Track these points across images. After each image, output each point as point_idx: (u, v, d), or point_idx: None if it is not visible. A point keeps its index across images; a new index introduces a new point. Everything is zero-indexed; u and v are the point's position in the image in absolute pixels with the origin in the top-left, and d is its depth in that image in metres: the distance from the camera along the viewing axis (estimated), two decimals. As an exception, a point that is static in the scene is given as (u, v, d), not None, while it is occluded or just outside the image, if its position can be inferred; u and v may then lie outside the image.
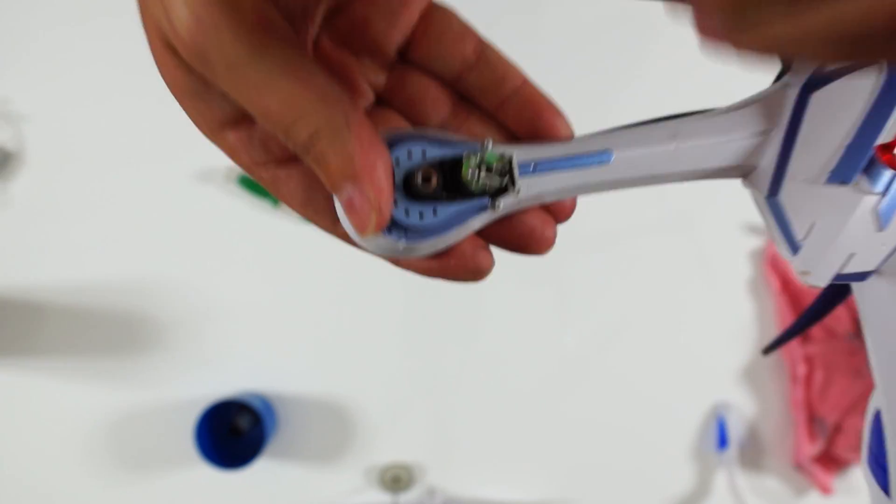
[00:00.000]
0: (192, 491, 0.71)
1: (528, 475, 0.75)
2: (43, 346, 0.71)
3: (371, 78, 0.24)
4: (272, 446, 0.71)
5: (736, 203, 0.79)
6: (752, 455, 0.77)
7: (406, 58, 0.24)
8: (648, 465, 0.76)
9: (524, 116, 0.23)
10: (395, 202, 0.20)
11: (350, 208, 0.19)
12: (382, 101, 0.24)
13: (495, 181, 0.21)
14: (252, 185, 0.73)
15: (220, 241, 0.74)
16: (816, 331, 0.76)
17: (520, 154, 0.22)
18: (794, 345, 0.76)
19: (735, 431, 0.75)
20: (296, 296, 0.74)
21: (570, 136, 0.23)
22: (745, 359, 0.78)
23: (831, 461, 0.76)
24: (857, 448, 0.73)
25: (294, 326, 0.74)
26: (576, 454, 0.76)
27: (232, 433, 0.73)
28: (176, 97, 0.20)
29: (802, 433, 0.75)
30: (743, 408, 0.77)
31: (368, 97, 0.24)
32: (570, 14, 0.77)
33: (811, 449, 0.75)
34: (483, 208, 0.21)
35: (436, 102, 0.23)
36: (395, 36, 0.23)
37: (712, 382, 0.77)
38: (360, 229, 0.19)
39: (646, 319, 0.77)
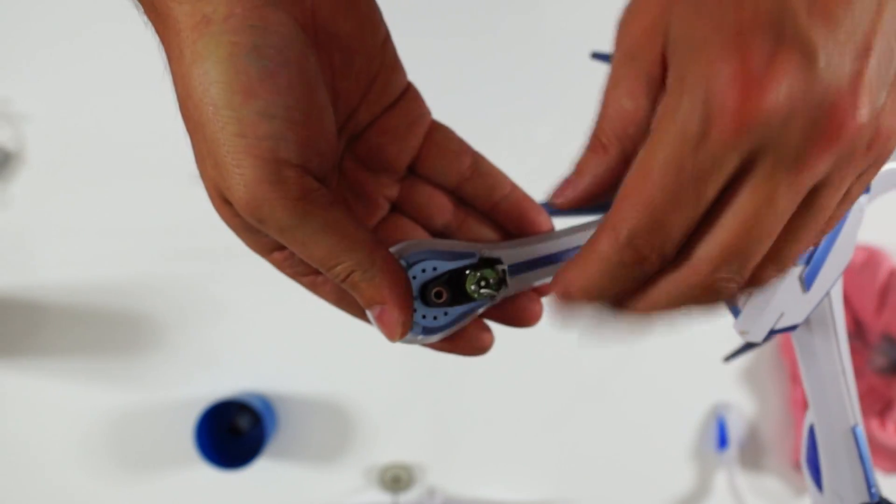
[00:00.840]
0: (192, 491, 0.71)
1: (528, 475, 0.75)
2: (43, 346, 0.71)
3: (385, 192, 0.29)
4: (272, 446, 0.71)
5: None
6: (752, 455, 0.77)
7: (414, 171, 0.29)
8: (648, 465, 0.76)
9: (513, 216, 0.28)
10: (415, 309, 0.26)
11: (381, 322, 0.25)
12: (396, 207, 0.29)
13: (494, 290, 0.26)
14: (252, 185, 0.73)
15: (220, 241, 0.74)
16: (816, 331, 0.76)
17: (510, 257, 0.27)
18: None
19: (735, 431, 0.75)
20: (296, 296, 0.74)
21: (551, 228, 0.28)
22: (745, 359, 0.78)
23: (831, 461, 0.76)
24: (857, 448, 0.73)
25: (294, 326, 0.74)
26: (576, 454, 0.76)
27: (232, 433, 0.73)
28: (232, 230, 0.26)
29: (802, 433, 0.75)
30: (743, 408, 0.77)
31: (384, 208, 0.29)
32: (568, 16, 0.77)
33: (811, 449, 0.75)
34: (483, 304, 0.27)
35: (440, 208, 0.29)
36: (405, 156, 0.28)
37: (712, 382, 0.77)
38: (390, 336, 0.25)
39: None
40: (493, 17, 0.77)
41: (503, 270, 0.26)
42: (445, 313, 0.26)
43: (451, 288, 0.26)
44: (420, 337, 0.26)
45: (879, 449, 0.72)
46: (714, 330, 0.79)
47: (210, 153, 0.23)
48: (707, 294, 0.21)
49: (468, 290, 0.26)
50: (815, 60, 0.17)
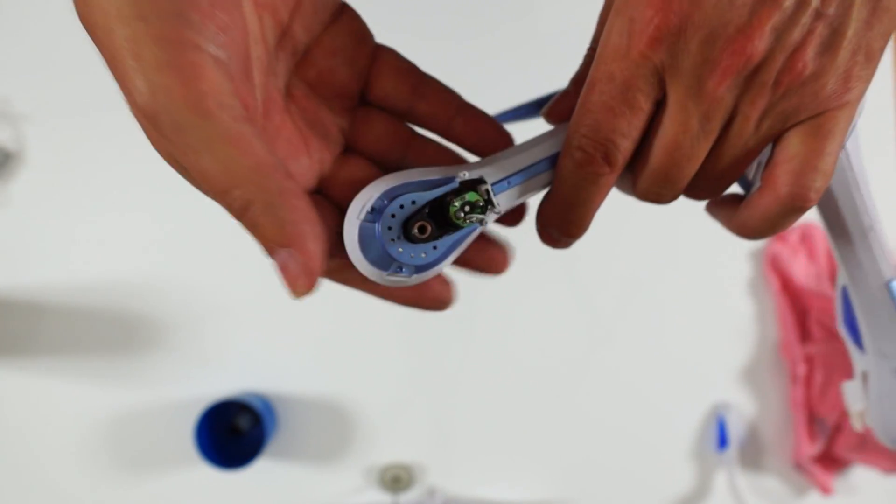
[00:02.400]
0: (192, 491, 0.71)
1: (527, 475, 0.75)
2: (43, 346, 0.71)
3: (340, 122, 0.27)
4: (272, 446, 0.71)
5: (736, 203, 0.79)
6: (752, 455, 0.77)
7: (365, 99, 0.28)
8: (648, 465, 0.76)
9: (471, 133, 0.28)
10: (401, 249, 0.24)
11: (284, 271, 0.20)
12: (350, 146, 0.28)
13: (482, 214, 0.24)
14: (252, 185, 0.73)
15: (220, 241, 0.74)
16: (816, 331, 0.76)
17: (492, 174, 0.25)
18: (794, 345, 0.76)
19: (735, 431, 0.75)
20: (296, 296, 0.74)
21: (511, 141, 0.28)
22: (745, 359, 0.78)
23: (831, 461, 0.76)
24: (858, 448, 0.73)
25: (294, 326, 0.74)
26: (576, 454, 0.76)
27: (232, 433, 0.73)
28: (167, 162, 0.22)
29: (802, 433, 0.75)
30: (743, 408, 0.77)
31: (339, 143, 0.27)
32: (565, 18, 0.77)
33: (811, 449, 0.75)
34: (473, 230, 0.25)
35: (395, 137, 0.28)
36: (355, 79, 0.27)
37: (712, 382, 0.77)
38: (292, 289, 0.21)
39: (646, 319, 0.77)
40: (491, 21, 0.77)
41: (487, 190, 0.25)
42: (434, 247, 0.24)
43: (435, 219, 0.24)
44: (414, 277, 0.24)
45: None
46: (714, 330, 0.79)
47: (113, 59, 0.19)
48: (649, 200, 0.26)
49: (453, 218, 0.24)
50: None
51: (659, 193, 0.25)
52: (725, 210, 0.28)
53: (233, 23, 0.20)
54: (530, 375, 0.76)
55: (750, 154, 0.24)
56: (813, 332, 0.76)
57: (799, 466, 0.76)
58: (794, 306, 0.77)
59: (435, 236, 0.24)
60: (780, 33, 0.20)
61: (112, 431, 0.71)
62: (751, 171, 0.26)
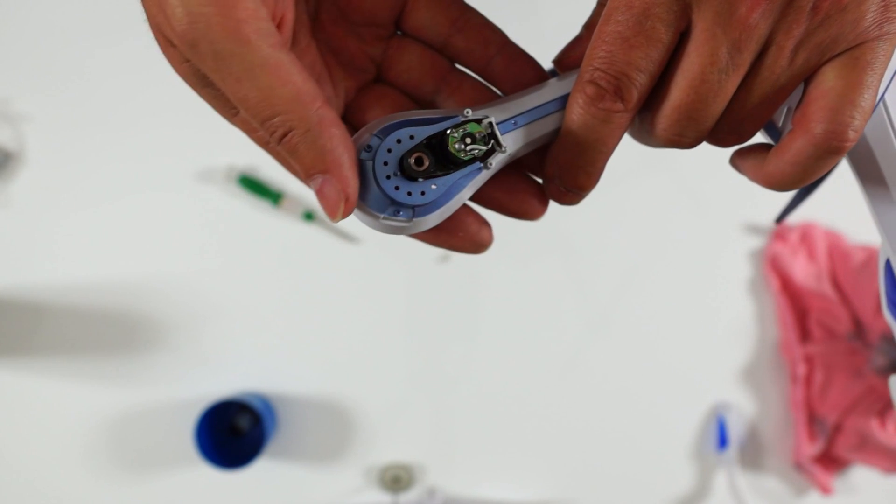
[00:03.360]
0: (192, 491, 0.71)
1: (527, 475, 0.75)
2: (43, 346, 0.71)
3: (370, 51, 0.26)
4: (272, 446, 0.71)
5: (736, 203, 0.79)
6: (752, 455, 0.77)
7: (400, 28, 0.26)
8: (648, 465, 0.76)
9: (510, 73, 0.26)
10: (398, 186, 0.22)
11: (322, 196, 0.21)
12: (381, 76, 0.26)
13: (482, 146, 0.23)
14: (252, 184, 0.73)
15: (221, 241, 0.74)
16: (816, 331, 0.76)
17: (498, 114, 0.23)
18: (794, 345, 0.76)
19: (735, 431, 0.75)
20: (296, 296, 0.74)
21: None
22: (745, 359, 0.78)
23: (831, 461, 0.76)
24: (858, 448, 0.73)
25: (294, 326, 0.74)
26: (576, 454, 0.76)
27: (232, 433, 0.73)
28: (190, 87, 0.22)
29: (802, 433, 0.75)
30: (743, 408, 0.77)
31: (369, 73, 0.26)
32: (570, 19, 0.77)
33: (811, 449, 0.75)
34: (478, 171, 0.23)
35: (430, 68, 0.26)
36: (389, 8, 0.25)
37: (712, 382, 0.77)
38: (331, 215, 0.21)
39: (646, 319, 0.77)
40: (495, 21, 0.77)
41: (490, 124, 0.23)
42: (434, 186, 0.22)
43: (434, 154, 0.22)
44: (412, 221, 0.23)
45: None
46: (714, 330, 0.79)
47: None
48: (670, 144, 0.23)
49: (452, 150, 0.22)
50: None
51: (681, 134, 0.22)
52: (752, 160, 0.24)
53: None
54: (530, 376, 0.76)
55: (782, 91, 0.22)
56: (813, 332, 0.76)
57: (799, 466, 0.76)
58: (794, 306, 0.77)
59: (433, 172, 0.22)
60: None
61: (112, 431, 0.71)
62: (780, 118, 0.24)
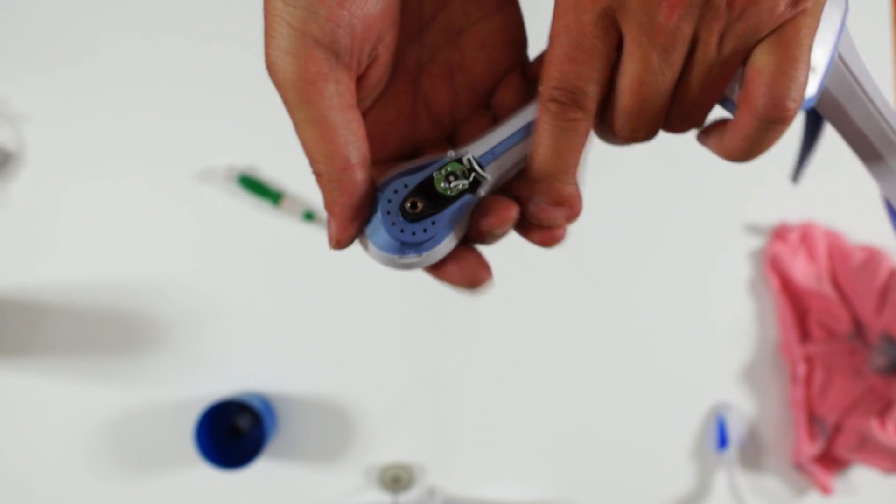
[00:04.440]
0: (192, 491, 0.71)
1: (528, 475, 0.75)
2: (43, 346, 0.71)
3: (458, 114, 0.29)
4: (272, 446, 0.71)
5: (736, 203, 0.79)
6: (752, 455, 0.77)
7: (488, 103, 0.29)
8: (648, 465, 0.76)
9: None
10: (403, 229, 0.26)
11: (327, 228, 0.27)
12: (455, 136, 0.29)
13: (465, 181, 0.26)
14: (252, 184, 0.73)
15: (220, 241, 0.74)
16: (816, 331, 0.76)
17: (478, 149, 0.27)
18: (794, 345, 0.76)
19: (735, 431, 0.75)
20: (296, 295, 0.74)
21: None
22: (745, 359, 0.78)
23: (831, 461, 0.76)
24: (857, 448, 0.73)
25: (294, 326, 0.74)
26: (576, 454, 0.76)
27: (232, 433, 0.73)
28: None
29: (802, 433, 0.75)
30: (743, 408, 0.77)
31: (448, 129, 0.29)
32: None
33: (811, 449, 0.75)
34: (469, 202, 0.26)
35: None
36: (489, 81, 0.28)
37: (712, 382, 0.77)
38: (329, 244, 0.27)
39: (646, 319, 0.77)
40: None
41: (469, 160, 0.26)
42: (433, 223, 0.26)
43: (426, 196, 0.26)
44: (420, 256, 0.26)
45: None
46: (714, 330, 0.79)
47: (264, 17, 0.24)
48: (629, 141, 0.26)
49: (440, 189, 0.26)
50: None
51: (635, 131, 0.25)
52: (714, 136, 0.27)
53: (362, 17, 0.24)
54: (530, 376, 0.76)
55: (718, 79, 0.24)
56: (813, 332, 0.76)
57: (799, 466, 0.76)
58: (794, 306, 0.77)
59: (429, 212, 0.26)
60: None
61: (112, 431, 0.71)
62: (734, 94, 0.26)
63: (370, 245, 0.27)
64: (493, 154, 0.27)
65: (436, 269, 0.28)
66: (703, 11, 0.22)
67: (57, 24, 0.74)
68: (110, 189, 0.73)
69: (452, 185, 0.26)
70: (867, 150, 0.29)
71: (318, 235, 0.74)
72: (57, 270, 0.72)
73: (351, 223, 0.26)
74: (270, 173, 0.74)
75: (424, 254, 0.26)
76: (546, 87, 0.24)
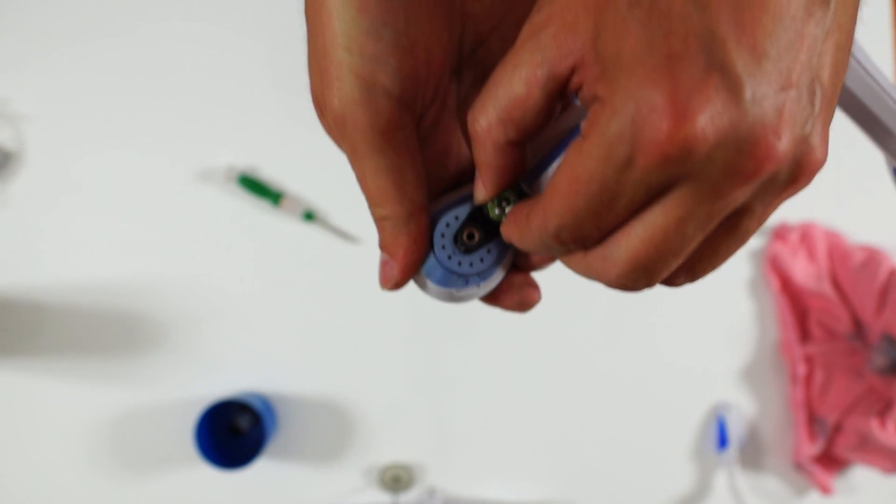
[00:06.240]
0: (192, 491, 0.71)
1: (527, 475, 0.75)
2: (43, 346, 0.71)
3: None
4: (272, 446, 0.71)
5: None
6: (752, 455, 0.77)
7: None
8: (648, 465, 0.76)
9: None
10: (460, 262, 0.26)
11: (382, 269, 0.26)
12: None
13: (514, 202, 0.25)
14: (252, 184, 0.73)
15: (220, 241, 0.74)
16: (816, 331, 0.76)
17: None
18: (794, 345, 0.76)
19: (735, 431, 0.75)
20: (296, 296, 0.74)
21: None
22: (745, 359, 0.78)
23: (831, 461, 0.76)
24: (858, 448, 0.73)
25: (294, 326, 0.74)
26: (576, 454, 0.76)
27: (232, 433, 0.73)
28: (330, 138, 0.26)
29: (802, 433, 0.75)
30: (743, 408, 0.77)
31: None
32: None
33: (811, 449, 0.75)
34: None
35: None
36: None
37: (712, 382, 0.77)
38: (382, 285, 0.26)
39: (646, 319, 0.77)
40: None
41: (517, 184, 0.24)
42: (489, 251, 0.26)
43: (481, 226, 0.26)
44: (478, 287, 0.26)
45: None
46: (714, 330, 0.79)
47: (318, 60, 0.23)
48: (619, 289, 0.23)
49: (494, 217, 0.25)
50: (742, 92, 0.17)
51: (634, 283, 0.22)
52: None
53: (428, 65, 0.23)
54: (530, 376, 0.76)
55: (744, 243, 0.22)
56: (813, 332, 0.76)
57: (799, 466, 0.76)
58: (794, 306, 0.77)
59: (485, 241, 0.26)
60: (799, 126, 0.18)
61: (112, 431, 0.71)
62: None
63: (428, 283, 0.26)
64: (534, 175, 0.25)
65: (490, 296, 0.27)
66: (765, 186, 0.19)
67: (57, 25, 0.74)
68: (110, 189, 0.73)
69: (507, 209, 0.24)
70: (884, 133, 0.29)
71: (318, 235, 0.74)
72: (57, 270, 0.72)
73: (414, 267, 0.26)
74: (270, 173, 0.74)
75: (483, 283, 0.26)
76: (550, 223, 0.21)
